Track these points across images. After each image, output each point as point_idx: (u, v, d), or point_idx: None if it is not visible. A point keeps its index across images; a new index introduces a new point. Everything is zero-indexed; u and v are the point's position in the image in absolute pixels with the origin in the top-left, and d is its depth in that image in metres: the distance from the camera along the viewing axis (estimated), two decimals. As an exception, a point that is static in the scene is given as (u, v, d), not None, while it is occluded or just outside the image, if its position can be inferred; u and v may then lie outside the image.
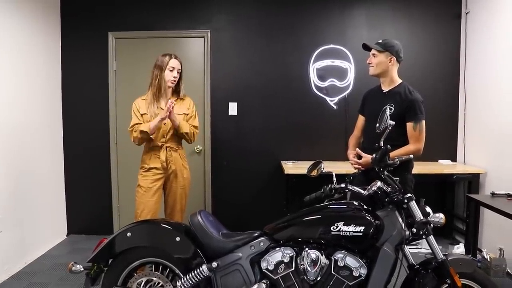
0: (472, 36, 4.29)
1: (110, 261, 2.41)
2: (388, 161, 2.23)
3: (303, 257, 2.16)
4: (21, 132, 3.78)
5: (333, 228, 2.13)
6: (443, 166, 4.28)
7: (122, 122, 4.43)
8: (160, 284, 2.35)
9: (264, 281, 2.20)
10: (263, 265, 2.21)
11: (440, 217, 2.12)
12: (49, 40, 4.34)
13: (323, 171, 2.40)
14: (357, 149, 2.90)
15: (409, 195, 2.15)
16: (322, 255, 2.15)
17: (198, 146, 4.53)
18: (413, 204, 2.15)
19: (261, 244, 2.27)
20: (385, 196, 2.18)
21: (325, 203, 2.30)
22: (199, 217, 2.33)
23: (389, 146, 2.23)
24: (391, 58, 2.87)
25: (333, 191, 2.28)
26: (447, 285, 2.12)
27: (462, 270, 2.13)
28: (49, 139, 4.35)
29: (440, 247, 2.19)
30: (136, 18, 4.52)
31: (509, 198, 3.13)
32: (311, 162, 2.50)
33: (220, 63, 4.55)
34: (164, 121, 3.06)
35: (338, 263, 2.12)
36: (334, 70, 4.50)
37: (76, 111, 4.58)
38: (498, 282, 3.39)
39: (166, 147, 3.16)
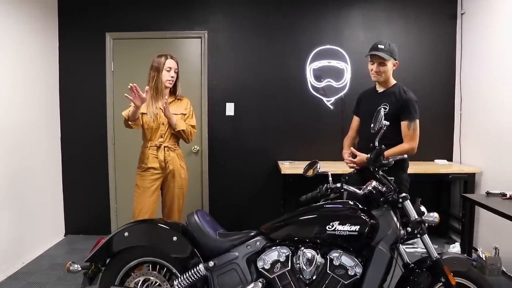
0: (468, 36, 4.32)
1: (107, 260, 2.42)
2: (383, 161, 2.25)
3: (299, 256, 2.18)
4: (18, 132, 3.79)
5: (329, 228, 2.15)
6: (439, 166, 4.30)
7: (119, 122, 4.42)
8: (158, 283, 2.37)
9: (260, 280, 2.22)
10: (260, 264, 2.23)
11: (434, 216, 2.14)
12: (47, 41, 4.35)
13: (319, 171, 2.42)
14: (352, 148, 2.92)
15: (403, 194, 2.17)
16: (317, 254, 2.17)
17: (196, 146, 4.55)
18: (408, 204, 2.17)
19: (257, 243, 2.29)
20: (380, 195, 2.20)
21: (321, 203, 2.32)
22: (196, 217, 2.35)
23: (383, 146, 2.25)
24: (395, 63, 2.90)
25: (329, 190, 2.30)
26: (441, 283, 2.14)
27: (457, 268, 2.15)
28: (47, 139, 4.36)
29: (436, 247, 2.22)
30: (134, 19, 4.53)
31: (504, 197, 3.14)
32: (308, 162, 2.52)
33: (217, 63, 4.57)
34: (138, 109, 3.01)
35: (334, 262, 2.14)
36: (330, 71, 4.53)
37: (73, 111, 4.59)
38: (493, 281, 3.41)
39: (164, 147, 3.18)
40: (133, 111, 3.03)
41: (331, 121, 4.54)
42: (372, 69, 2.91)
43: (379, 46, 2.85)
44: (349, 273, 2.13)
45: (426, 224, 2.16)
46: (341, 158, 3.10)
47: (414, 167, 3.85)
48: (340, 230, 2.13)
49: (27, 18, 3.95)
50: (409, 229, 2.15)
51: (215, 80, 4.56)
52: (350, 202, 2.25)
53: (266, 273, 2.21)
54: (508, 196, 3.13)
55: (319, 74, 4.54)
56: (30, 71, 4.01)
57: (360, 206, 2.22)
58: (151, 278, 2.38)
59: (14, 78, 3.75)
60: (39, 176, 4.16)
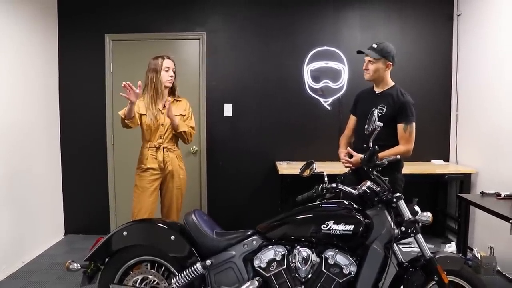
0: (464, 37, 4.36)
1: (107, 259, 2.45)
2: (377, 161, 2.29)
3: (295, 255, 2.22)
4: (18, 132, 3.82)
5: (324, 227, 2.18)
6: (436, 166, 4.34)
7: (118, 123, 4.43)
8: (156, 281, 2.40)
9: (256, 278, 2.26)
10: (256, 263, 2.27)
11: (427, 215, 2.18)
12: (47, 42, 4.39)
13: (315, 171, 2.45)
14: (348, 148, 2.96)
15: (397, 194, 2.20)
16: (313, 253, 2.21)
17: (194, 147, 4.59)
18: (402, 203, 2.21)
19: (254, 242, 2.33)
20: (375, 195, 2.24)
21: (316, 203, 2.36)
22: (193, 216, 2.38)
23: (376, 147, 2.29)
24: (388, 64, 2.93)
25: (325, 190, 2.33)
26: (434, 282, 2.18)
27: (450, 267, 2.19)
28: (47, 139, 4.39)
29: (433, 246, 2.25)
30: (133, 20, 4.57)
31: (498, 197, 3.18)
32: (304, 163, 2.56)
33: (215, 64, 4.61)
34: (133, 106, 3.04)
35: (329, 261, 2.18)
36: (328, 72, 4.56)
37: (73, 111, 4.63)
38: (488, 280, 3.45)
39: (163, 148, 3.21)
40: (129, 108, 3.05)
41: (328, 122, 4.57)
42: (363, 67, 3.00)
43: (373, 45, 2.92)
44: (344, 271, 2.17)
45: (420, 224, 2.19)
46: (338, 158, 3.13)
47: (411, 167, 3.90)
48: (335, 229, 2.17)
49: (27, 19, 3.99)
50: (403, 228, 2.19)
51: (214, 81, 4.59)
52: (345, 202, 2.28)
53: (262, 272, 2.25)
54: (502, 196, 3.17)
55: (317, 75, 4.57)
56: (30, 72, 4.04)
57: (354, 205, 2.26)
58: (150, 276, 2.41)
59: (14, 78, 3.79)
60: (39, 176, 4.19)
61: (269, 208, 4.51)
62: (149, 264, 2.44)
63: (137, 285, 2.41)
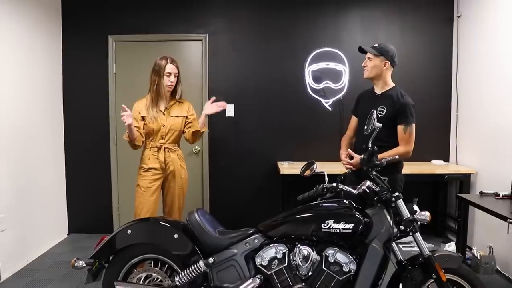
0: (464, 39, 4.40)
1: (111, 257, 2.50)
2: (376, 162, 2.33)
3: (295, 253, 2.26)
4: (23, 133, 3.87)
5: (324, 226, 2.22)
6: (436, 166, 4.37)
7: (121, 124, 4.48)
8: (159, 279, 2.45)
9: (258, 276, 2.30)
10: (257, 261, 2.31)
11: (425, 214, 2.21)
12: (51, 43, 4.44)
13: (316, 171, 2.49)
14: (349, 149, 3.00)
15: (396, 194, 2.24)
16: (313, 251, 2.25)
17: (196, 147, 4.63)
18: (401, 203, 2.25)
19: (256, 241, 2.37)
20: (374, 195, 2.27)
21: (317, 202, 2.40)
22: (196, 215, 2.43)
23: (375, 147, 2.33)
24: (385, 62, 2.96)
25: (325, 190, 2.37)
26: (433, 279, 2.22)
27: (448, 265, 2.22)
28: (51, 140, 4.44)
29: (432, 245, 2.28)
30: (136, 22, 4.62)
31: (497, 197, 3.21)
32: (305, 163, 2.59)
33: (217, 66, 4.65)
34: (131, 126, 3.10)
35: (329, 259, 2.22)
36: (329, 73, 4.60)
37: (77, 112, 4.68)
38: (487, 279, 3.50)
39: (165, 148, 3.25)
40: (129, 130, 3.12)
41: (329, 122, 4.62)
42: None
43: (374, 45, 3.00)
44: (344, 269, 2.20)
45: (418, 223, 2.23)
46: (339, 159, 3.17)
47: (411, 168, 3.94)
48: (335, 228, 2.21)
49: (31, 22, 4.04)
50: (401, 227, 2.22)
51: (216, 82, 4.63)
52: (345, 201, 2.32)
53: (263, 270, 2.29)
54: (501, 196, 3.20)
55: (318, 76, 4.62)
56: (34, 73, 4.09)
57: (354, 205, 2.30)
58: (153, 274, 2.46)
59: (19, 79, 3.84)
60: (43, 176, 4.24)
61: (270, 207, 4.55)
62: (152, 262, 2.48)
63: (140, 283, 2.45)
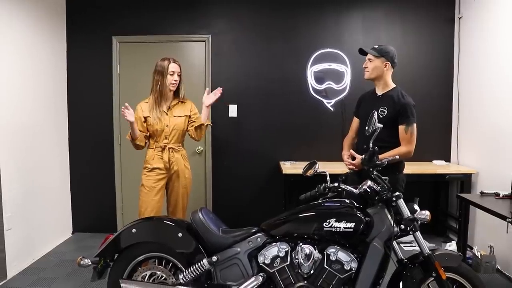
0: (465, 40, 4.42)
1: (116, 256, 2.54)
2: (377, 162, 2.36)
3: (298, 251, 2.30)
4: (27, 133, 3.91)
5: (326, 225, 2.26)
6: (437, 167, 4.40)
7: (125, 124, 4.53)
8: (164, 277, 2.49)
9: (261, 274, 2.34)
10: (260, 259, 2.34)
11: (425, 214, 2.24)
12: (55, 44, 4.48)
13: (318, 171, 2.53)
14: (351, 150, 3.03)
15: (397, 193, 2.28)
16: (315, 250, 2.29)
17: (199, 147, 4.67)
18: (401, 202, 2.28)
19: (258, 239, 2.40)
20: (375, 194, 2.31)
21: (319, 201, 2.43)
22: (200, 214, 2.47)
23: (376, 147, 2.37)
24: (386, 63, 2.99)
25: (327, 189, 2.41)
26: (432, 278, 2.26)
27: (448, 264, 2.26)
28: (55, 140, 4.49)
29: (434, 245, 2.31)
30: (140, 23, 4.66)
31: (497, 197, 3.24)
32: (307, 163, 2.63)
33: (220, 66, 4.69)
34: (133, 125, 3.17)
35: (331, 257, 2.25)
36: (331, 73, 4.63)
37: (81, 112, 4.73)
38: (488, 279, 3.52)
39: (169, 148, 3.29)
40: (132, 129, 3.19)
41: (331, 123, 4.64)
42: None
43: (374, 46, 3.04)
44: (345, 268, 2.24)
45: (419, 222, 2.26)
46: (341, 159, 3.21)
47: (413, 168, 3.97)
48: (336, 227, 2.25)
49: (36, 23, 4.08)
50: (402, 226, 2.26)
51: (219, 82, 4.65)
52: (346, 200, 2.35)
53: (266, 268, 2.33)
54: (501, 196, 3.23)
55: (320, 77, 4.65)
56: (39, 73, 4.14)
57: (355, 204, 2.33)
58: (158, 272, 2.49)
59: (24, 80, 3.88)
60: (48, 176, 4.29)
61: (272, 207, 4.58)
62: (157, 260, 2.53)
63: (145, 281, 2.49)
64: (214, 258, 2.38)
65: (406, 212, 2.27)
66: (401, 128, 2.92)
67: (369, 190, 2.31)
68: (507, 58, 3.67)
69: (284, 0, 4.63)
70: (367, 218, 2.27)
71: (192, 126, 3.39)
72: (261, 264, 2.34)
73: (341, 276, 2.24)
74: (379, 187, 2.31)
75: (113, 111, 4.69)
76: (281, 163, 4.52)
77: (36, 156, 4.06)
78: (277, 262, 2.32)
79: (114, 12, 4.67)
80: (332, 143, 4.48)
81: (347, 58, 4.60)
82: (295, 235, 2.36)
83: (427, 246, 2.29)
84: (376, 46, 3.03)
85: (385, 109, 2.96)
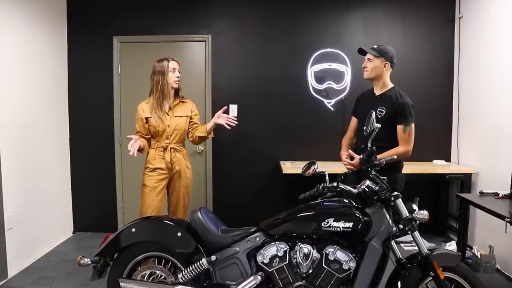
0: (466, 40, 4.42)
1: (115, 255, 2.55)
2: (375, 161, 2.37)
3: (296, 251, 2.31)
4: (28, 132, 3.93)
5: (324, 224, 2.27)
6: (437, 166, 4.40)
7: (126, 123, 4.60)
8: (163, 276, 2.50)
9: (259, 273, 2.35)
10: (259, 258, 2.35)
11: (424, 214, 2.24)
12: (56, 44, 4.50)
13: (317, 171, 2.54)
14: (350, 150, 3.04)
15: (395, 193, 2.28)
16: (314, 249, 2.30)
17: (200, 147, 4.68)
18: (400, 202, 2.29)
19: (257, 239, 2.41)
20: (374, 194, 2.31)
21: (317, 201, 2.44)
22: (199, 214, 2.47)
23: (374, 147, 2.37)
24: (385, 63, 3.01)
25: (326, 189, 2.42)
26: (431, 277, 2.26)
27: (446, 264, 2.26)
28: (56, 139, 4.50)
29: (434, 245, 2.32)
30: (140, 23, 4.67)
31: (496, 197, 3.24)
32: (307, 162, 2.64)
33: (220, 66, 4.70)
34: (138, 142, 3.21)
35: (329, 257, 2.26)
36: (331, 73, 4.64)
37: (82, 112, 4.74)
38: (487, 278, 3.52)
39: (170, 148, 3.30)
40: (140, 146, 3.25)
41: (331, 122, 4.65)
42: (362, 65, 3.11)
43: (374, 46, 3.05)
44: (344, 267, 2.25)
45: (417, 221, 2.27)
46: (341, 159, 3.21)
47: (413, 167, 3.97)
48: (335, 227, 2.25)
49: (37, 22, 4.10)
50: (400, 226, 2.26)
51: (219, 82, 4.68)
52: (345, 200, 2.36)
53: (265, 267, 2.34)
54: (500, 195, 3.23)
55: (320, 77, 4.65)
56: (39, 73, 4.15)
57: (354, 204, 2.34)
58: (157, 271, 2.51)
59: (24, 79, 3.89)
60: (48, 176, 4.30)
61: (273, 207, 4.57)
62: (156, 260, 2.54)
63: (144, 280, 2.50)
64: (213, 258, 2.39)
65: (405, 212, 2.27)
66: (399, 128, 2.93)
67: (367, 190, 2.31)
68: (507, 58, 3.67)
69: (285, 0, 4.64)
70: (365, 218, 2.28)
71: (193, 128, 3.41)
72: (259, 264, 2.35)
73: (340, 276, 2.24)
74: (377, 187, 2.31)
75: (114, 111, 4.70)
76: (281, 162, 4.53)
77: (37, 156, 4.08)
78: (276, 262, 2.32)
79: (114, 12, 4.69)
80: (332, 143, 4.45)
81: (347, 58, 4.61)
82: (294, 234, 2.37)
83: (426, 245, 2.29)
84: (375, 46, 3.04)
85: (383, 109, 2.97)
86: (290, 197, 4.19)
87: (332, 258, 2.26)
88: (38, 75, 4.12)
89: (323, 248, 2.30)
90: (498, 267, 3.68)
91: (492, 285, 3.45)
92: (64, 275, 3.64)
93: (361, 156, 2.44)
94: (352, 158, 2.98)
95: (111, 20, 4.69)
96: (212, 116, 4.60)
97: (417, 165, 4.30)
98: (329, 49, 4.62)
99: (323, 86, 4.66)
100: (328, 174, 2.49)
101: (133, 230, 2.50)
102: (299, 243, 2.32)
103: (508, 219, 2.63)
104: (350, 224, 2.24)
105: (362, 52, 3.10)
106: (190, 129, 3.43)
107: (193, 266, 2.39)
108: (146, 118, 3.29)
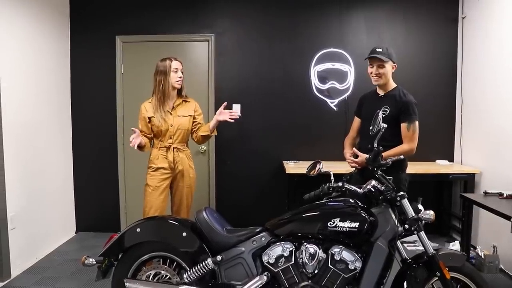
0: (469, 40, 4.41)
1: (120, 255, 2.55)
2: (381, 161, 2.37)
3: (302, 251, 2.30)
4: (31, 132, 3.93)
5: (330, 224, 2.26)
6: (440, 166, 4.39)
7: (129, 123, 4.58)
8: (168, 276, 2.49)
9: (265, 273, 2.34)
10: (265, 258, 2.35)
11: (430, 213, 2.24)
12: (59, 44, 4.50)
13: (322, 171, 2.53)
14: (354, 148, 3.04)
15: (401, 193, 2.28)
16: (319, 249, 2.29)
17: (203, 147, 4.67)
18: (405, 202, 2.28)
19: (263, 239, 2.41)
20: (379, 194, 2.31)
21: (323, 201, 2.44)
22: (204, 214, 2.47)
23: (381, 147, 2.37)
24: (394, 65, 3.01)
25: (331, 189, 2.41)
26: (437, 277, 2.26)
27: (452, 264, 2.26)
28: (59, 139, 4.50)
29: (437, 245, 2.32)
30: (143, 23, 4.67)
31: (501, 197, 3.24)
32: (311, 162, 2.64)
33: (223, 66, 4.70)
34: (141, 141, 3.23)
35: (335, 257, 2.25)
36: (334, 73, 4.64)
37: (84, 112, 4.74)
38: (491, 278, 3.52)
39: (173, 148, 3.30)
40: (140, 146, 3.25)
41: (334, 122, 4.64)
42: (371, 72, 3.03)
43: (377, 49, 2.99)
44: (350, 267, 2.24)
45: (423, 221, 2.26)
46: (344, 158, 3.21)
47: (416, 167, 3.97)
48: (341, 227, 2.25)
49: (40, 21, 4.10)
50: (406, 226, 2.26)
51: (222, 82, 4.67)
52: (350, 200, 2.36)
53: (270, 267, 2.33)
54: (505, 195, 3.23)
55: (323, 76, 4.65)
56: (42, 73, 4.15)
57: (360, 204, 2.33)
58: (162, 271, 2.50)
59: (27, 79, 3.89)
60: (51, 175, 4.30)
61: (276, 206, 4.57)
62: (161, 260, 2.53)
63: (149, 280, 2.49)
64: (219, 258, 2.38)
65: (411, 212, 2.27)
66: (403, 126, 2.93)
67: (373, 190, 2.31)
68: (511, 58, 3.66)
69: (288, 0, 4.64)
70: (371, 218, 2.27)
71: (196, 127, 3.40)
72: (265, 264, 2.34)
73: (346, 276, 2.24)
74: (383, 187, 2.31)
75: (117, 110, 4.70)
76: (285, 162, 4.52)
77: (40, 155, 4.07)
78: (282, 262, 2.32)
79: (117, 11, 4.68)
80: (335, 143, 4.41)
81: (350, 58, 4.60)
82: (299, 234, 2.36)
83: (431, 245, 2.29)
84: (380, 50, 2.98)
85: (387, 108, 2.97)
86: (293, 197, 4.18)
87: (338, 258, 2.25)
88: (40, 74, 4.12)
89: (328, 248, 2.29)
90: (502, 267, 3.68)
91: (496, 285, 3.44)
92: (67, 275, 3.64)
93: (368, 156, 2.43)
94: (356, 157, 2.98)
95: (114, 19, 4.68)
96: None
97: (420, 165, 4.30)
98: (332, 49, 4.62)
99: (326, 86, 4.65)
100: (333, 174, 2.48)
101: (138, 230, 2.49)
102: (305, 243, 2.31)
103: (514, 219, 2.63)
104: (356, 224, 2.24)
105: (373, 58, 2.99)
106: (194, 129, 3.42)
107: (199, 266, 2.38)
108: (149, 118, 3.28)
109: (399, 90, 3.01)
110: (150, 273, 2.51)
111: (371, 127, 2.44)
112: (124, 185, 4.78)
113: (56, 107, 4.44)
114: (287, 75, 4.67)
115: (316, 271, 2.29)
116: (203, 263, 2.38)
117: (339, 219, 2.25)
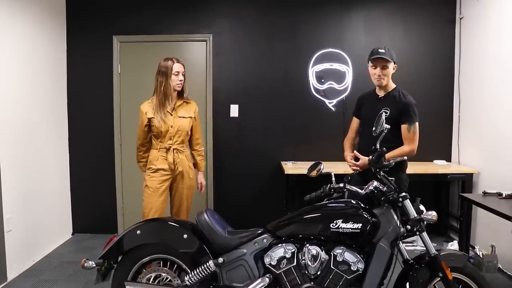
0: (466, 40, 4.43)
1: (120, 257, 2.52)
2: (384, 162, 2.36)
3: (304, 252, 2.29)
4: (27, 132, 3.88)
5: (332, 225, 2.25)
6: (438, 166, 4.41)
7: (126, 124, 4.57)
8: (168, 279, 2.47)
9: (267, 275, 2.33)
10: (266, 260, 2.33)
11: (432, 214, 2.24)
12: (55, 43, 4.45)
13: (323, 172, 2.52)
14: (355, 151, 3.03)
15: (403, 194, 2.28)
16: (322, 251, 2.28)
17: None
18: (408, 203, 2.28)
19: (264, 240, 2.39)
20: (381, 195, 2.31)
21: (324, 202, 2.43)
22: (205, 216, 2.45)
23: (384, 148, 2.36)
24: (395, 66, 3.01)
25: (332, 190, 2.40)
26: (439, 278, 2.25)
27: (454, 264, 2.25)
28: (55, 140, 4.46)
29: (435, 245, 2.32)
30: (140, 23, 4.64)
31: (500, 196, 3.25)
32: (311, 163, 2.63)
33: (221, 66, 4.68)
34: None
35: (337, 258, 2.24)
36: (332, 73, 4.63)
37: (81, 112, 4.70)
38: (489, 278, 3.53)
39: (173, 149, 3.27)
40: None
41: (333, 123, 4.64)
42: (375, 74, 2.99)
43: (380, 50, 2.95)
44: (352, 268, 2.23)
45: (425, 222, 2.26)
46: (342, 159, 3.21)
47: (414, 168, 3.96)
48: (343, 228, 2.24)
49: (36, 21, 4.05)
50: (408, 226, 2.26)
51: (220, 82, 4.66)
52: (352, 201, 2.34)
53: (272, 269, 2.31)
54: (503, 195, 3.24)
55: (322, 77, 4.64)
56: (38, 73, 4.11)
57: (362, 205, 2.32)
58: (162, 274, 2.47)
59: (23, 78, 3.84)
60: (47, 176, 4.25)
61: (274, 207, 4.57)
62: (161, 262, 2.50)
63: (150, 283, 2.47)
64: (220, 260, 2.36)
65: (413, 213, 2.26)
66: (404, 127, 2.93)
67: (375, 191, 2.30)
68: (508, 58, 3.68)
69: (286, -1, 4.63)
70: (373, 219, 2.26)
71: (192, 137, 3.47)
72: (267, 266, 2.33)
73: (348, 277, 2.23)
74: (385, 188, 2.30)
75: (114, 111, 4.66)
76: (283, 163, 4.51)
77: (36, 157, 4.03)
78: (284, 263, 2.30)
79: (115, 11, 4.65)
80: (333, 143, 4.46)
81: (348, 58, 4.60)
82: (301, 236, 2.35)
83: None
84: (382, 50, 2.94)
85: (388, 109, 2.96)
86: (291, 197, 4.17)
87: (341, 259, 2.24)
88: (37, 75, 4.08)
89: (331, 249, 2.28)
90: (500, 266, 3.69)
91: (494, 285, 3.45)
92: (65, 277, 3.60)
93: (370, 157, 2.42)
94: (357, 159, 2.97)
95: (111, 19, 4.65)
96: (213, 116, 4.65)
97: (418, 165, 4.31)
98: (330, 49, 4.62)
99: (325, 86, 4.65)
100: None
101: (138, 232, 2.47)
102: (307, 245, 2.30)
103: (514, 219, 2.64)
104: (358, 225, 2.23)
105: (376, 59, 2.94)
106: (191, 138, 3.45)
107: (200, 269, 2.36)
108: (149, 119, 3.25)
109: (398, 91, 3.01)
110: (151, 276, 2.48)
111: (373, 128, 2.43)
112: (121, 186, 4.74)
113: (53, 107, 4.39)
114: (285, 75, 4.66)
115: (318, 273, 2.28)
116: (205, 265, 2.36)
117: (341, 220, 2.24)
